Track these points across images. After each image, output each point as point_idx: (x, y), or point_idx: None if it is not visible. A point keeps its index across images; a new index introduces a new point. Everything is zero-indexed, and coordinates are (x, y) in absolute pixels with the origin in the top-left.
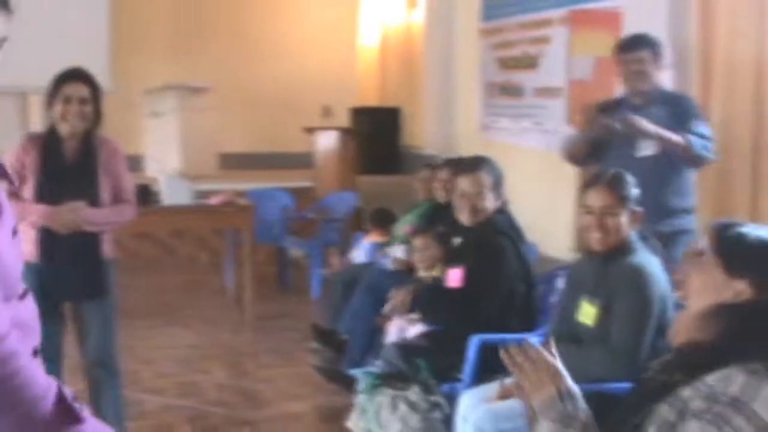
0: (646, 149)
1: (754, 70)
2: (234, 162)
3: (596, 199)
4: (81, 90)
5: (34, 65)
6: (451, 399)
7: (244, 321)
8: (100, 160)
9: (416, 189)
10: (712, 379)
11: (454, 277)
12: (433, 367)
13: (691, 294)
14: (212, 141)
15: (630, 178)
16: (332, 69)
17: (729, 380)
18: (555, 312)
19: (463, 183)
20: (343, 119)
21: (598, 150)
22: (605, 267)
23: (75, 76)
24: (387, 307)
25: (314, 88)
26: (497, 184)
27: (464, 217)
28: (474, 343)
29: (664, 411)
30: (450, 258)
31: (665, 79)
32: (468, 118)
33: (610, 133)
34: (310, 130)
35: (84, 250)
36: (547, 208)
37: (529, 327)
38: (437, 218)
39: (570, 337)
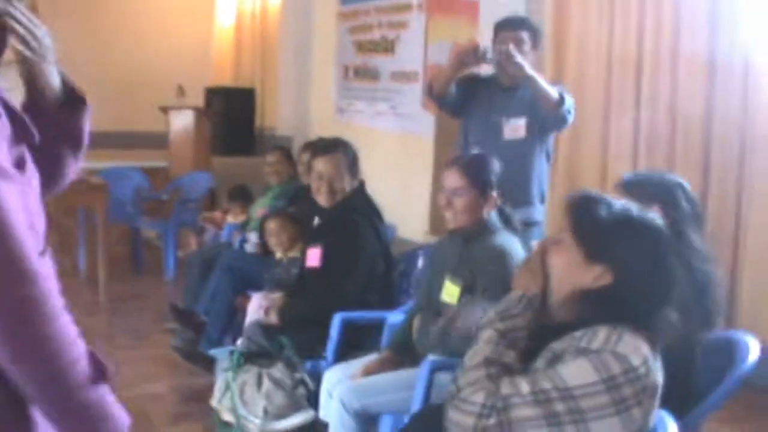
0: (513, 132)
1: (605, 54)
2: (91, 140)
3: (449, 180)
4: None
5: None
6: (315, 376)
7: (99, 302)
8: None
9: (266, 173)
10: (579, 333)
11: (313, 257)
12: (296, 345)
13: (553, 274)
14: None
15: (491, 162)
16: (187, 48)
17: (593, 335)
18: (417, 291)
19: (320, 165)
20: (198, 99)
21: (464, 101)
22: (466, 247)
23: None
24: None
25: (169, 67)
26: (353, 165)
27: (322, 199)
28: (336, 320)
29: (537, 364)
30: (310, 238)
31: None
32: (323, 101)
33: (478, 61)
34: (165, 110)
35: None
36: (402, 190)
37: (390, 305)
38: (302, 199)
39: (433, 313)
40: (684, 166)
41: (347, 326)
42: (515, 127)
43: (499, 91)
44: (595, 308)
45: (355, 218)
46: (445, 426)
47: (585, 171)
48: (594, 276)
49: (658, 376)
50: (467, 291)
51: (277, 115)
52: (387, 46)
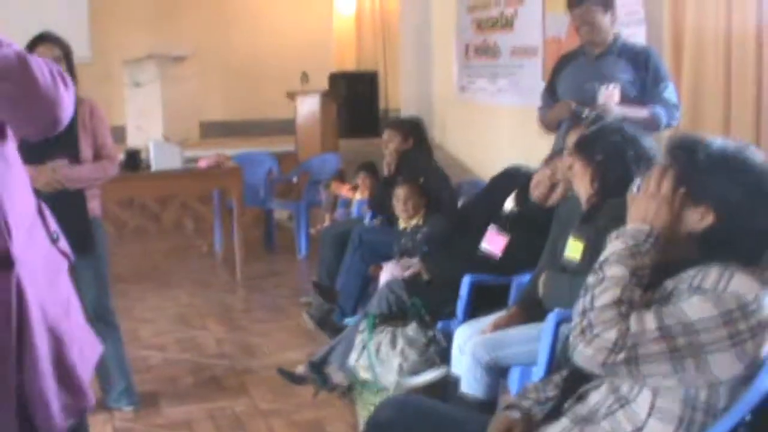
0: (608, 97)
1: (723, 47)
2: (215, 129)
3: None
4: (53, 51)
5: (14, 36)
6: (447, 334)
7: (236, 281)
8: (79, 119)
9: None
10: (691, 272)
11: (496, 244)
12: (428, 305)
13: (650, 214)
14: (194, 109)
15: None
16: (309, 35)
17: (705, 275)
18: (544, 250)
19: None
20: (322, 85)
21: (555, 85)
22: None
23: (45, 38)
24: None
25: (292, 54)
26: None
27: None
28: (467, 282)
29: (655, 294)
30: (496, 218)
31: (639, 35)
32: (445, 80)
33: (579, 119)
34: (292, 96)
35: (69, 208)
36: (525, 162)
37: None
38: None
39: (560, 270)
40: None
41: (476, 287)
42: (610, 93)
43: (589, 60)
44: (703, 250)
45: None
46: (572, 357)
47: (707, 122)
48: (697, 217)
49: None
50: (590, 247)
51: (400, 96)
52: (506, 22)
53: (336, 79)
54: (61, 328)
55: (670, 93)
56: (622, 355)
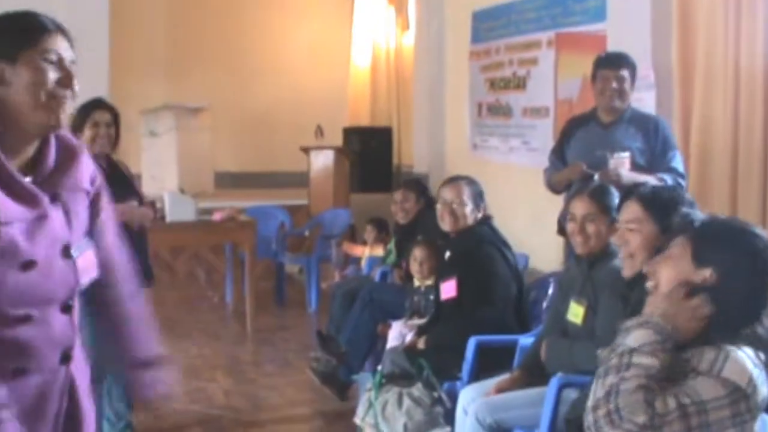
0: (620, 165)
1: (732, 89)
2: (229, 180)
3: (579, 207)
4: (105, 116)
5: None
6: (452, 395)
7: (246, 333)
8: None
9: (393, 211)
10: (687, 355)
11: (449, 289)
12: (434, 367)
13: (663, 281)
14: (209, 160)
15: (612, 190)
16: (325, 89)
17: (701, 356)
18: (547, 313)
19: (445, 192)
20: (336, 139)
21: (564, 150)
22: (590, 270)
23: (99, 104)
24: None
25: (307, 108)
26: (477, 197)
27: (445, 224)
28: (472, 344)
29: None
30: (442, 271)
31: (649, 99)
32: (458, 138)
33: (589, 180)
34: (306, 150)
35: (138, 244)
36: (536, 223)
37: (523, 329)
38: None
39: (561, 334)
40: None
41: (482, 349)
42: (620, 161)
43: (600, 127)
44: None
45: (484, 247)
46: None
47: (715, 193)
48: (702, 278)
49: (765, 389)
50: (590, 311)
51: (413, 152)
52: (518, 83)
53: (350, 133)
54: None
55: (677, 162)
56: None
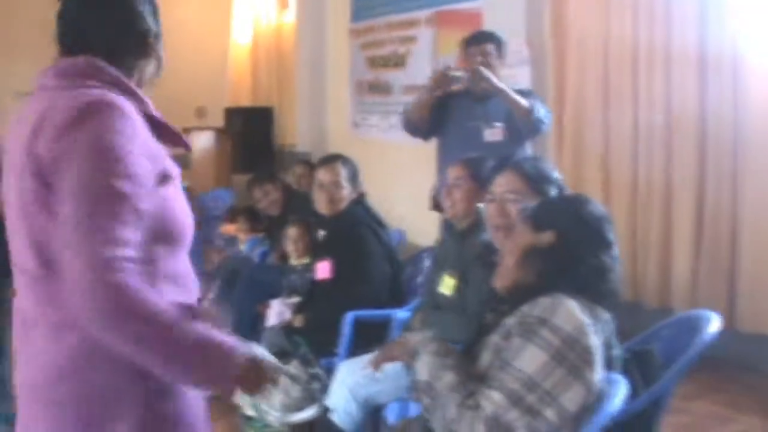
0: (492, 135)
1: (602, 64)
2: None
3: (451, 173)
4: None
5: None
6: (330, 371)
7: None
8: None
9: (292, 183)
10: (525, 307)
11: (323, 269)
12: (311, 344)
13: (509, 251)
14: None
15: (487, 161)
16: (205, 70)
17: (534, 305)
18: (423, 287)
19: (321, 174)
20: (218, 119)
21: (437, 120)
22: (462, 242)
23: None
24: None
25: (187, 89)
26: (353, 177)
27: (323, 207)
28: (348, 320)
29: (495, 338)
30: (317, 252)
31: (523, 74)
32: (339, 116)
33: (451, 83)
34: (187, 131)
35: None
36: (414, 199)
37: (399, 303)
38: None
39: (434, 306)
40: (680, 159)
41: (358, 324)
42: (494, 131)
43: (473, 101)
44: (543, 263)
45: (359, 229)
46: None
47: (587, 166)
48: (544, 240)
49: (594, 337)
50: (462, 282)
51: (295, 131)
52: (398, 61)
53: (232, 114)
54: None
55: (540, 104)
56: None
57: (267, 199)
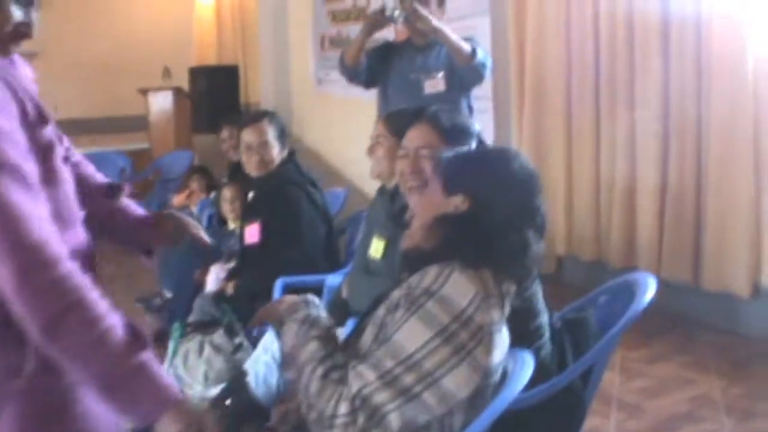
0: (433, 87)
1: (564, 18)
2: (73, 127)
3: (374, 131)
4: None
5: None
6: (257, 340)
7: None
8: None
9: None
10: (414, 276)
11: (252, 233)
12: (241, 312)
13: (418, 213)
14: (47, 107)
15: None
16: (169, 29)
17: (424, 274)
18: (356, 252)
19: (247, 135)
20: (183, 80)
21: (380, 69)
22: (392, 203)
23: None
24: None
25: (152, 49)
26: (281, 135)
27: (251, 168)
28: (278, 286)
29: (381, 311)
30: (245, 214)
31: (483, 25)
32: (302, 73)
33: (386, 23)
34: (144, 92)
35: None
36: None
37: (334, 267)
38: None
39: (365, 271)
40: (644, 106)
41: (290, 291)
42: (434, 82)
43: (414, 52)
44: (450, 230)
45: (288, 189)
46: None
47: (549, 134)
48: (454, 206)
49: (493, 313)
50: (391, 245)
51: (260, 89)
52: (359, 14)
53: (196, 73)
54: None
55: (483, 52)
56: (362, 418)
57: (231, 141)
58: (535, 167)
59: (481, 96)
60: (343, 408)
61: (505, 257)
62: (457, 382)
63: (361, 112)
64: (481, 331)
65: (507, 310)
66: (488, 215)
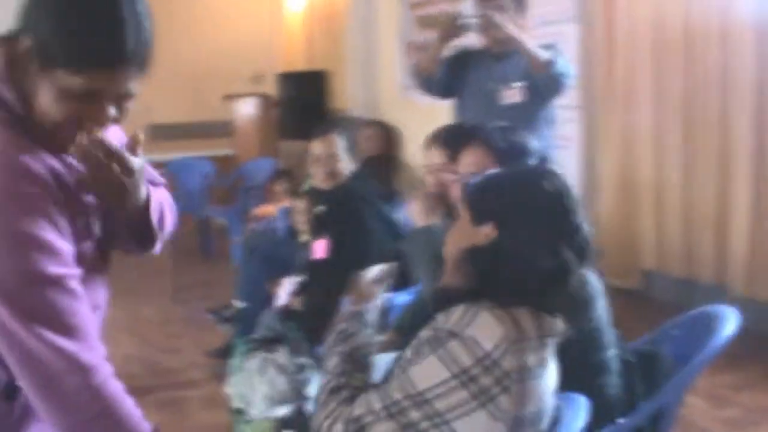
0: (510, 97)
1: (651, 32)
2: (164, 133)
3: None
4: None
5: None
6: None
7: (163, 291)
8: None
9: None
10: (440, 317)
11: (320, 248)
12: (306, 330)
13: (448, 246)
14: (140, 113)
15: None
16: (260, 36)
17: (450, 314)
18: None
19: (316, 147)
20: (271, 87)
21: (457, 79)
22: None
23: None
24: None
25: (242, 56)
26: (351, 147)
27: (320, 181)
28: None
29: (408, 353)
30: (314, 229)
31: (570, 32)
32: (389, 79)
33: (461, 31)
34: (230, 98)
35: None
36: None
37: (403, 284)
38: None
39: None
40: (736, 141)
41: None
42: (512, 93)
43: (493, 61)
44: (479, 264)
45: (357, 204)
46: None
47: (638, 144)
48: (483, 236)
49: (528, 357)
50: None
51: (347, 95)
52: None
53: (285, 79)
54: None
55: (563, 61)
56: None
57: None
58: (567, 184)
59: (567, 105)
60: (339, 427)
61: (543, 286)
62: (472, 428)
63: (445, 119)
64: (507, 378)
65: (551, 351)
66: (516, 240)
